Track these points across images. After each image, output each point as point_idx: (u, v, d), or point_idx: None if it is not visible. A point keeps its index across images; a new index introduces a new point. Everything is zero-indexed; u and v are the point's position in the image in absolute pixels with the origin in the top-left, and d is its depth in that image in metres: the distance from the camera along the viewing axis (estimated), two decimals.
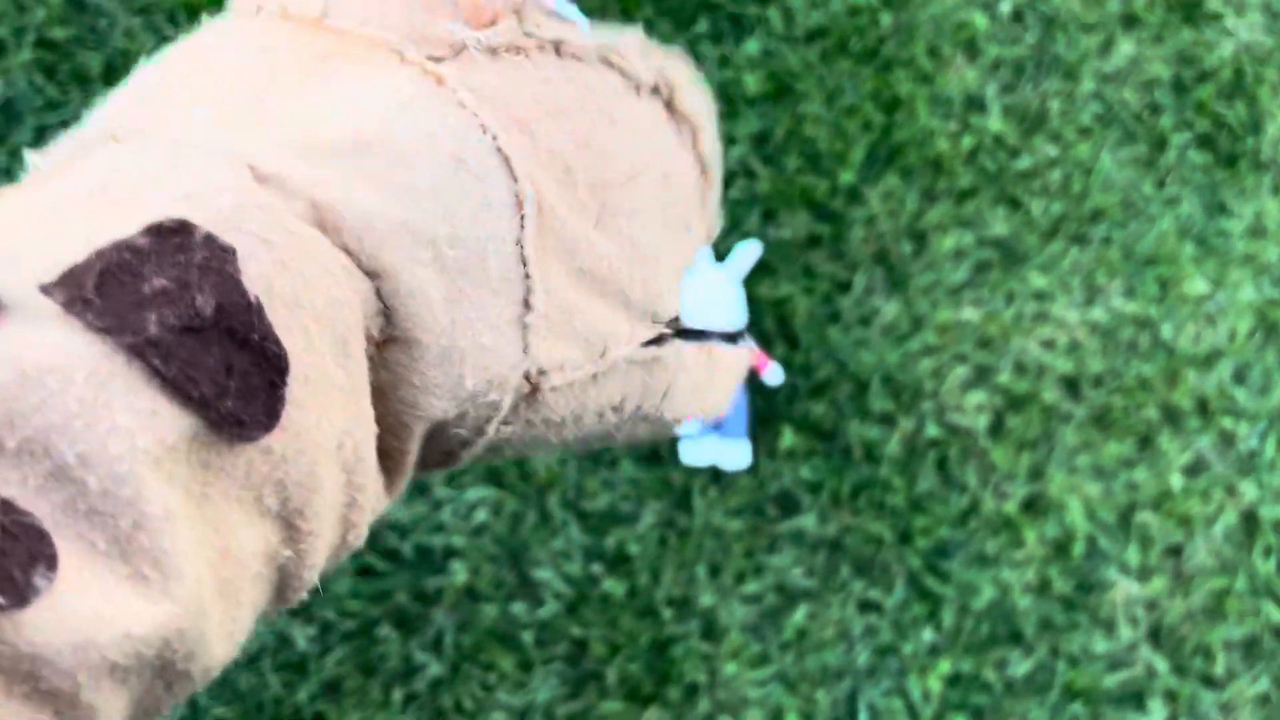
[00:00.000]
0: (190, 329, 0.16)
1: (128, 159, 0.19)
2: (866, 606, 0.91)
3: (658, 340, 0.28)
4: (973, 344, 0.97)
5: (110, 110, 0.22)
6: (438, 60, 0.22)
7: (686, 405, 0.30)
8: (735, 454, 0.88)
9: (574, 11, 0.26)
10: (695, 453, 0.88)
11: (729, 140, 0.97)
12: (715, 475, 0.91)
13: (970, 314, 0.97)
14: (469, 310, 0.21)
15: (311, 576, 0.20)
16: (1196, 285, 1.01)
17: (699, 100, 0.29)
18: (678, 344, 0.29)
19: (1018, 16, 1.05)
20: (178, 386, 0.16)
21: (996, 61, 1.03)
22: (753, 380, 0.92)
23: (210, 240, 0.17)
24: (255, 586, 0.19)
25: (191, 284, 0.16)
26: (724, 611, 0.89)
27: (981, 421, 0.95)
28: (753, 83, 0.99)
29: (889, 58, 1.01)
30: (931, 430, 0.95)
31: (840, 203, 0.98)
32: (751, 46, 1.00)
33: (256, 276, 0.17)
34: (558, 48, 0.25)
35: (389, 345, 0.21)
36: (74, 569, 0.15)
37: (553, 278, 0.23)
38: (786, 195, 0.97)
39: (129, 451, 0.15)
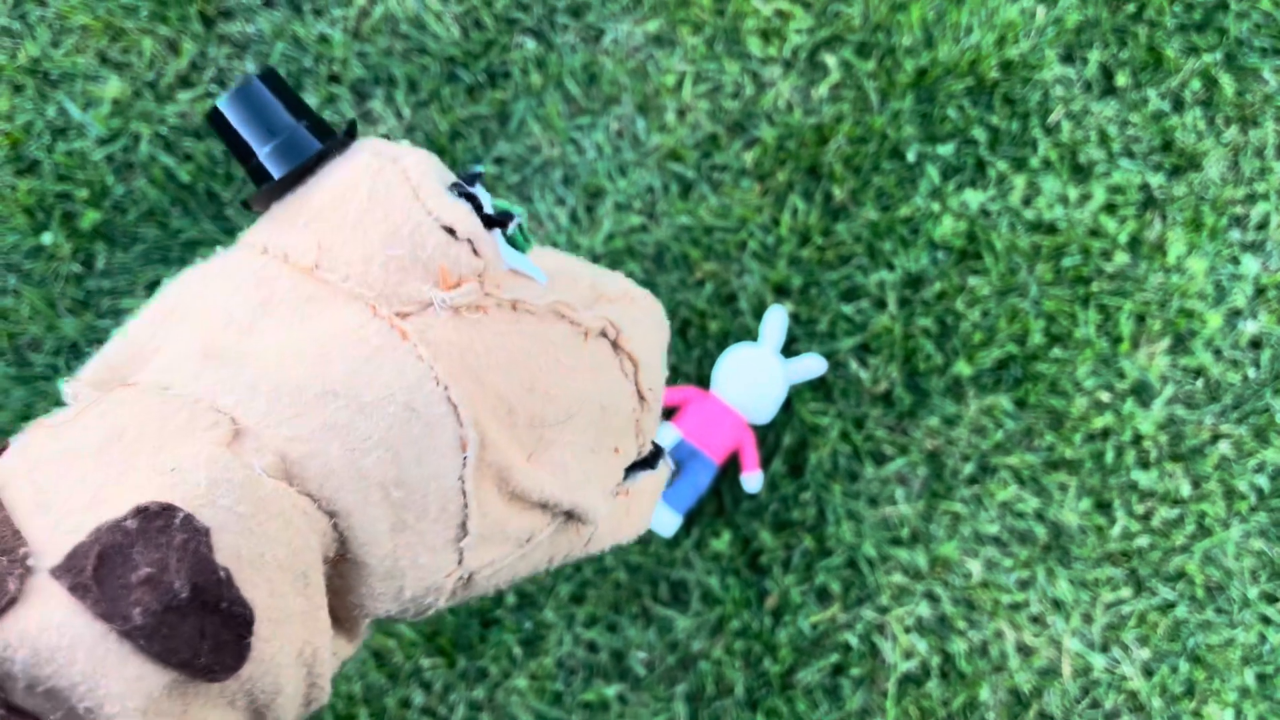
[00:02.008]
0: (170, 608, 0.20)
1: (130, 412, 0.24)
2: None
3: None
4: (955, 595, 0.89)
5: (136, 332, 0.27)
6: (405, 316, 0.27)
7: (608, 540, 0.34)
8: (662, 521, 0.85)
9: (535, 270, 0.30)
10: None
11: (887, 264, 0.92)
12: None
13: (974, 568, 0.89)
14: (410, 536, 0.26)
15: None
16: (1224, 715, 0.87)
17: (642, 340, 0.33)
18: None
19: (1255, 344, 0.92)
20: (161, 657, 0.20)
21: (1200, 370, 0.91)
22: (732, 469, 0.88)
23: (188, 522, 0.21)
24: None
25: (170, 568, 0.20)
26: (554, 636, 0.88)
27: (905, 665, 0.88)
28: (947, 228, 0.92)
29: (1093, 295, 0.92)
30: (852, 638, 0.88)
31: (938, 386, 0.91)
32: (972, 199, 0.93)
33: (227, 548, 0.21)
34: (514, 305, 0.29)
35: (342, 561, 0.25)
36: None
37: (488, 501, 0.27)
38: (894, 344, 0.91)
39: (121, 711, 0.20)
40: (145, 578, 0.20)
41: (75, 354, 0.92)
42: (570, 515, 0.31)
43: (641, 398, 0.34)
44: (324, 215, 0.28)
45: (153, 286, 0.92)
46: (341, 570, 0.25)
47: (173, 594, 0.20)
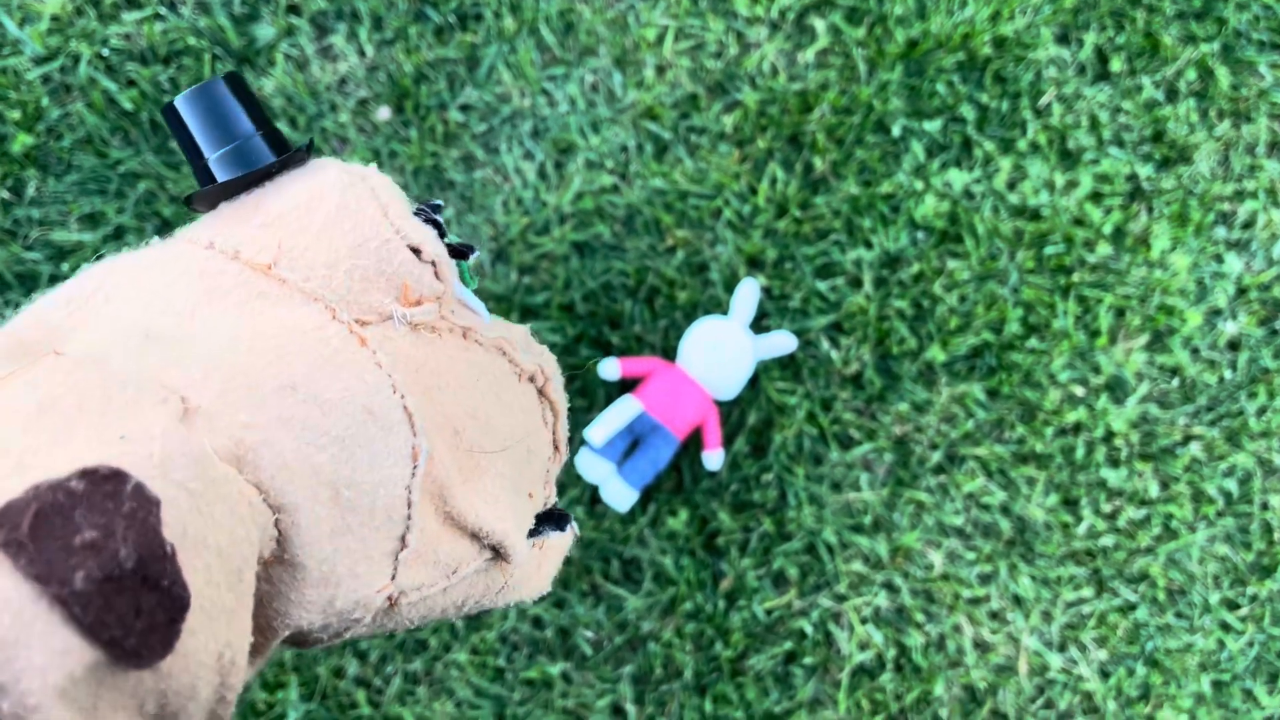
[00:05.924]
0: (111, 578, 0.18)
1: (68, 381, 0.22)
2: (617, 712, 0.85)
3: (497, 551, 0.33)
4: (914, 587, 0.86)
5: (50, 307, 0.25)
6: (364, 324, 0.27)
7: (517, 592, 0.34)
8: (618, 495, 0.82)
9: (480, 306, 0.31)
10: (591, 466, 0.82)
11: (865, 242, 0.88)
12: (594, 498, 0.85)
13: (936, 559, 0.86)
14: (351, 542, 0.25)
15: None
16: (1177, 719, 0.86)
17: (561, 391, 0.34)
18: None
19: (1234, 345, 0.90)
20: (92, 631, 0.18)
21: (1177, 369, 0.89)
22: (694, 446, 0.85)
23: (140, 490, 0.19)
24: None
25: (116, 535, 0.19)
26: (498, 610, 0.84)
27: (859, 655, 0.85)
28: (929, 208, 0.89)
29: (1073, 285, 0.89)
30: (807, 625, 0.85)
31: (909, 370, 0.87)
32: (956, 179, 0.89)
33: (174, 523, 0.20)
34: (465, 333, 0.30)
35: (276, 564, 0.24)
36: None
37: (425, 518, 0.27)
38: (868, 325, 0.87)
39: (40, 687, 0.17)
40: (90, 542, 0.18)
41: None
42: (496, 553, 0.31)
43: (556, 448, 0.35)
44: (285, 220, 0.28)
45: (87, 220, 0.86)
46: (273, 574, 0.24)
47: (117, 563, 0.18)
